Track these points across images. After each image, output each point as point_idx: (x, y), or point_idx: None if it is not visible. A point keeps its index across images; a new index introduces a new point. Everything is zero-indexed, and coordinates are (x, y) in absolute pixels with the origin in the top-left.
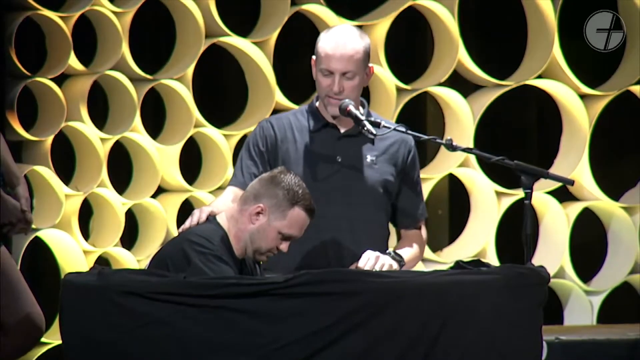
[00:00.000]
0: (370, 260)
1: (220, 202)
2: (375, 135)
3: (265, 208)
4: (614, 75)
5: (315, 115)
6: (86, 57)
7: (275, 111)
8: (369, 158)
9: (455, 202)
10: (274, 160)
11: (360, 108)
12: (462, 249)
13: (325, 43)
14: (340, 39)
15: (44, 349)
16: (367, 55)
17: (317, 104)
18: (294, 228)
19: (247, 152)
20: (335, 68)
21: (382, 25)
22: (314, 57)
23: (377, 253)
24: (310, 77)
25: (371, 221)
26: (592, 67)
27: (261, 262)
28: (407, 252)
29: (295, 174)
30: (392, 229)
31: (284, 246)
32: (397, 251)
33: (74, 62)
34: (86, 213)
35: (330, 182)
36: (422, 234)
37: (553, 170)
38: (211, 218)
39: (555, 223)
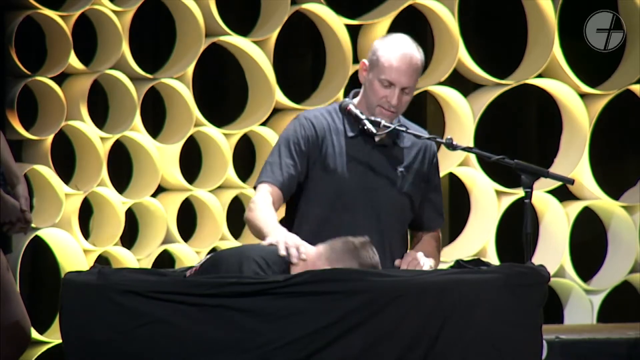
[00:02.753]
0: (414, 260)
1: (271, 209)
2: (375, 133)
3: None
4: (614, 74)
5: (350, 120)
6: (86, 56)
7: (276, 110)
8: (399, 170)
9: (455, 201)
10: (314, 163)
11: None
12: (462, 248)
13: (391, 53)
14: (407, 53)
15: (44, 348)
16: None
17: (352, 107)
18: None
19: (287, 149)
20: (399, 81)
21: (382, 25)
22: (365, 61)
23: (421, 253)
24: (310, 76)
25: (398, 235)
26: (592, 66)
27: None
28: (434, 259)
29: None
30: None
31: None
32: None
33: (74, 61)
34: (86, 212)
35: (364, 194)
36: (439, 235)
37: (553, 169)
38: None
39: (556, 222)
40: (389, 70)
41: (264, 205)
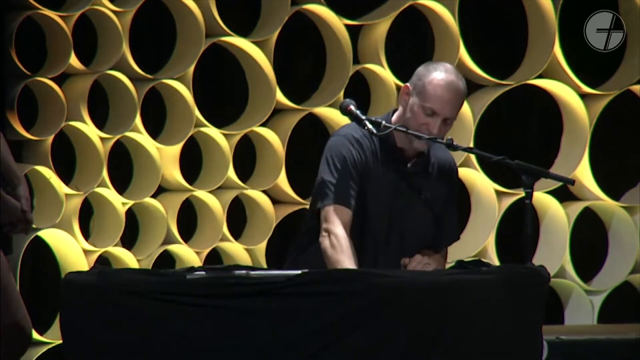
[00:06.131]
0: (422, 261)
1: (353, 254)
2: (376, 134)
3: None
4: (614, 74)
5: (382, 141)
6: (87, 57)
7: (276, 111)
8: (423, 196)
9: None
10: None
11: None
12: (462, 248)
13: (437, 81)
14: (454, 84)
15: (44, 348)
16: None
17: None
18: None
19: (348, 170)
20: (442, 112)
21: (382, 25)
22: (409, 84)
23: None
24: (310, 77)
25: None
26: (593, 66)
27: None
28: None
29: None
30: None
31: None
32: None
33: (74, 61)
34: (87, 213)
35: (390, 220)
36: (446, 252)
37: (553, 169)
38: None
39: (556, 223)
40: (434, 99)
41: (348, 248)
